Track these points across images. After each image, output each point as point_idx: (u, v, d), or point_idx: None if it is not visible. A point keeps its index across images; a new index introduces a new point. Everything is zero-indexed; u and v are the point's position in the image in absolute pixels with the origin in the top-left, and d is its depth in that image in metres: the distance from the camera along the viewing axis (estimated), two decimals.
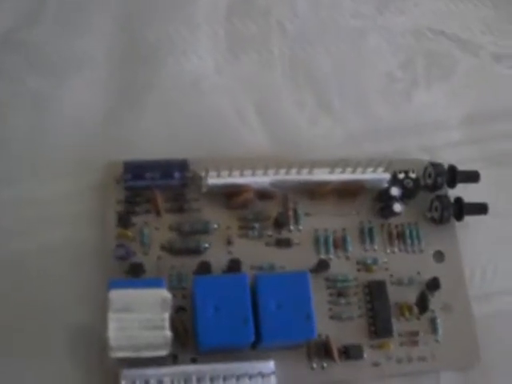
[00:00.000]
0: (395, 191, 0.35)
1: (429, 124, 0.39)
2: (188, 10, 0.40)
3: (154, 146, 0.36)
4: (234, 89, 0.38)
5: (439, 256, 0.36)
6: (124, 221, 0.34)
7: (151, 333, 0.30)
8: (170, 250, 0.34)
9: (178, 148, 0.36)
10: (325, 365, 0.33)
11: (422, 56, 0.41)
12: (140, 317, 0.30)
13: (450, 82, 0.41)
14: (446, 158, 0.38)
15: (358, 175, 0.35)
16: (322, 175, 0.35)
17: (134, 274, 0.33)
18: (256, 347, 0.32)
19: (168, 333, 0.30)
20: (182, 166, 0.35)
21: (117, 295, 0.31)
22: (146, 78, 0.38)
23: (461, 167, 0.37)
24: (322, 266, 0.34)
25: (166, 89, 0.38)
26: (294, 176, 0.35)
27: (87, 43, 0.38)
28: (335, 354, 0.32)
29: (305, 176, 0.35)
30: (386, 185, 0.36)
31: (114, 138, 0.36)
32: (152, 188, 0.35)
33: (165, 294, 0.31)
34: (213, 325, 0.31)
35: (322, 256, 0.35)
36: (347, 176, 0.35)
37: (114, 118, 0.37)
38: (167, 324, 0.30)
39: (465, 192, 0.37)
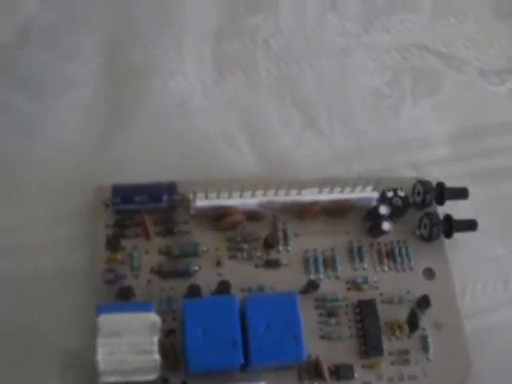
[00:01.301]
0: (384, 210, 0.35)
1: (416, 140, 0.40)
2: (174, 32, 0.41)
3: (142, 169, 0.37)
4: (220, 110, 0.39)
5: (429, 273, 0.36)
6: (113, 244, 0.34)
7: (140, 357, 0.30)
8: (160, 273, 0.34)
9: (167, 170, 0.36)
10: None
11: (407, 73, 0.41)
12: (129, 341, 0.30)
13: (436, 97, 0.41)
14: (434, 175, 0.38)
15: (347, 194, 0.36)
16: (310, 195, 0.35)
17: (124, 298, 0.33)
18: (245, 369, 0.32)
19: (157, 357, 0.30)
20: (171, 188, 0.35)
21: (105, 320, 0.31)
22: (133, 101, 0.38)
23: (448, 184, 0.37)
24: (312, 286, 0.34)
25: (153, 111, 0.38)
26: (282, 197, 0.35)
27: (74, 66, 0.39)
28: (326, 374, 0.32)
29: (293, 196, 0.35)
30: (374, 203, 0.36)
31: (102, 161, 0.37)
32: (141, 211, 0.35)
33: (153, 317, 0.31)
34: (202, 348, 0.31)
35: (312, 276, 0.35)
36: (336, 195, 0.35)
37: (102, 141, 0.37)
38: (156, 348, 0.31)
39: (454, 209, 0.37)
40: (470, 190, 0.37)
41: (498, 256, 0.38)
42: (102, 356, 0.30)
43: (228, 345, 0.31)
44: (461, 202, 0.37)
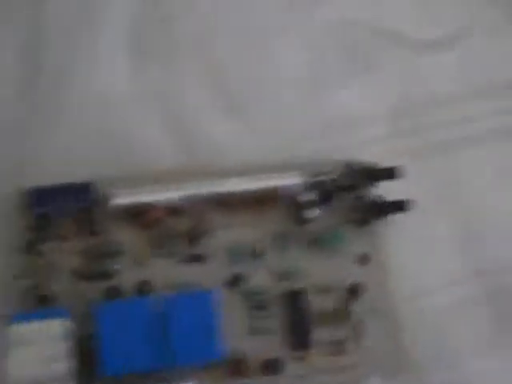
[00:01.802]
0: (307, 196, 0.34)
1: (349, 121, 0.38)
2: (92, 22, 0.39)
3: (60, 168, 0.35)
4: (139, 101, 0.37)
5: (363, 259, 0.35)
6: (32, 249, 0.33)
7: (53, 365, 0.30)
8: (80, 275, 0.33)
9: (86, 168, 0.35)
10: (246, 382, 0.32)
11: (339, 49, 0.40)
12: (41, 349, 0.30)
13: (370, 74, 0.39)
14: (369, 156, 0.37)
15: (271, 182, 0.34)
16: (233, 185, 0.34)
17: (43, 304, 0.33)
18: (168, 370, 0.31)
19: (70, 364, 0.30)
20: (87, 188, 0.34)
21: (17, 329, 0.30)
22: (49, 100, 0.37)
23: (386, 163, 0.36)
24: (237, 279, 0.33)
25: (71, 107, 0.37)
26: (204, 189, 0.34)
27: None
28: (250, 370, 0.31)
29: (215, 188, 0.34)
30: (300, 190, 0.35)
31: (21, 163, 0.36)
32: (58, 213, 0.34)
33: (66, 324, 0.30)
34: (117, 351, 0.30)
35: (238, 269, 0.34)
36: (259, 184, 0.34)
37: (21, 142, 0.36)
38: (69, 355, 0.30)
39: (394, 188, 0.36)
40: (409, 168, 0.36)
41: (437, 236, 0.36)
42: (13, 367, 0.29)
43: (146, 346, 0.30)
44: (400, 182, 0.36)
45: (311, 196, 0.34)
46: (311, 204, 0.34)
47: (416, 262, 0.36)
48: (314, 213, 0.34)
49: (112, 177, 0.34)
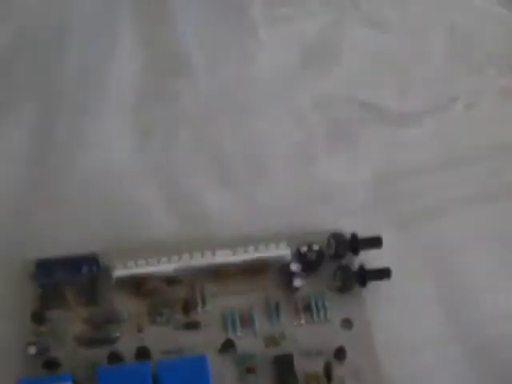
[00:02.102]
0: (294, 267, 0.37)
1: (334, 191, 0.41)
2: (98, 102, 0.42)
3: (66, 240, 0.38)
4: (140, 176, 0.40)
5: (347, 324, 0.37)
6: (37, 317, 0.36)
7: None
8: (84, 342, 0.36)
9: (90, 240, 0.38)
10: None
11: (324, 123, 0.43)
12: None
13: (354, 146, 0.42)
14: (354, 224, 0.39)
15: (261, 253, 0.37)
16: (224, 257, 0.37)
17: (50, 369, 0.35)
18: None
19: None
20: (91, 260, 0.37)
21: None
22: (56, 174, 0.40)
23: (368, 231, 0.38)
24: (228, 345, 0.35)
25: (76, 182, 0.40)
26: (197, 261, 0.37)
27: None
28: None
29: (207, 260, 0.37)
30: (288, 260, 0.37)
31: (27, 233, 0.38)
32: (63, 284, 0.36)
33: None
34: None
35: (230, 335, 0.36)
36: (249, 255, 0.37)
37: (28, 214, 0.39)
38: None
39: (375, 256, 0.38)
40: (389, 236, 0.39)
41: (418, 300, 0.39)
42: None
43: None
44: (381, 249, 0.38)
45: (298, 266, 0.37)
46: (298, 273, 0.37)
47: (398, 325, 0.38)
48: (300, 282, 0.36)
49: (114, 249, 0.37)
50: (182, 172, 0.41)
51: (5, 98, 0.43)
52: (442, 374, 0.37)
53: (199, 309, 0.37)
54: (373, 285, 0.38)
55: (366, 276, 0.37)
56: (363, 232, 0.38)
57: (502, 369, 0.37)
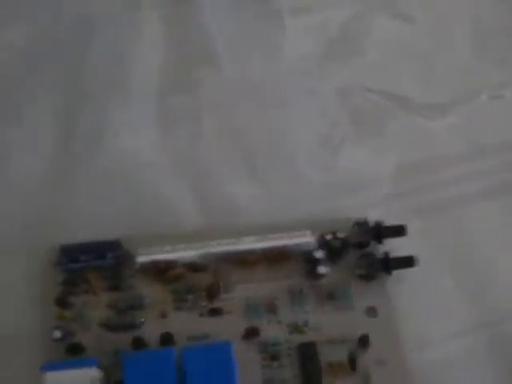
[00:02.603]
0: (319, 254, 0.36)
1: (358, 181, 0.41)
2: (122, 91, 0.42)
3: (90, 226, 0.38)
4: (164, 164, 0.41)
5: (371, 312, 0.37)
6: (62, 302, 0.36)
7: None
8: (108, 327, 0.36)
9: (114, 226, 0.38)
10: None
11: (348, 114, 0.43)
12: None
13: (378, 137, 0.42)
14: (376, 214, 0.39)
15: (285, 240, 0.37)
16: (248, 244, 0.37)
17: (74, 354, 0.35)
18: None
19: None
20: (115, 246, 0.37)
21: (50, 378, 0.33)
22: (80, 161, 0.40)
23: (392, 221, 0.38)
24: (252, 332, 0.35)
25: (100, 169, 0.40)
26: (221, 248, 0.37)
27: (23, 130, 0.41)
28: None
29: (232, 246, 0.37)
30: (312, 247, 0.37)
31: (52, 220, 0.39)
32: (87, 269, 0.36)
33: (93, 373, 0.33)
34: None
35: (254, 322, 0.36)
36: (274, 242, 0.37)
37: (53, 200, 0.39)
38: None
39: (398, 245, 0.38)
40: (414, 225, 0.38)
41: (441, 289, 0.38)
42: None
43: None
44: (405, 238, 0.38)
45: (322, 253, 0.37)
46: (322, 261, 0.37)
47: (422, 314, 0.38)
48: (325, 269, 0.36)
49: (138, 235, 0.37)
50: (207, 160, 0.41)
51: (30, 87, 0.43)
52: (465, 364, 0.37)
53: (223, 295, 0.37)
54: (397, 273, 0.38)
55: (390, 264, 0.37)
56: (387, 221, 0.38)
57: None
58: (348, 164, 0.41)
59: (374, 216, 0.39)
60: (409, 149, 0.42)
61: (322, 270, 0.36)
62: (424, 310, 0.38)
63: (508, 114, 0.44)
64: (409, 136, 0.42)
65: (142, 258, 0.36)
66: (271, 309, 0.37)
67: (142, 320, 0.36)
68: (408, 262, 0.37)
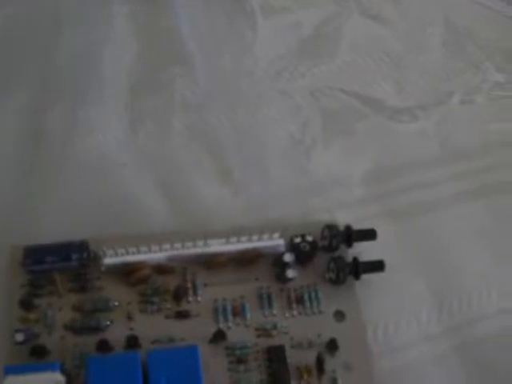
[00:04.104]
0: (288, 257, 0.36)
1: (329, 183, 0.41)
2: (92, 89, 0.42)
3: (57, 227, 0.38)
4: (134, 163, 0.40)
5: (340, 316, 0.37)
6: (26, 304, 0.35)
7: None
8: (73, 329, 0.35)
9: (81, 227, 0.38)
10: None
11: (320, 115, 0.42)
12: None
13: (349, 139, 0.42)
14: (347, 217, 0.39)
15: (254, 243, 0.37)
16: (216, 246, 0.36)
17: (38, 356, 0.34)
18: None
19: None
20: (81, 247, 0.36)
21: (11, 382, 0.32)
22: (47, 161, 0.40)
23: (362, 224, 0.38)
24: (219, 335, 0.35)
25: (69, 169, 0.40)
26: (189, 250, 0.36)
27: None
28: None
29: (200, 249, 0.36)
30: (282, 250, 0.37)
31: (17, 221, 0.38)
32: (52, 270, 0.36)
33: (57, 377, 0.32)
34: None
35: (221, 325, 0.36)
36: (242, 245, 0.36)
37: (20, 201, 0.39)
38: None
39: (369, 248, 0.38)
40: (385, 228, 0.38)
41: (410, 294, 0.38)
42: None
43: None
44: (375, 242, 0.38)
45: (291, 257, 0.36)
46: (291, 264, 0.36)
47: (390, 318, 0.38)
48: (294, 273, 0.36)
49: (105, 236, 0.37)
50: (176, 160, 0.40)
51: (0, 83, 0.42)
52: (432, 368, 0.37)
53: (190, 298, 0.36)
54: (366, 277, 0.38)
55: (359, 268, 0.37)
56: (357, 225, 0.38)
57: (492, 364, 0.37)
58: (319, 166, 0.41)
59: (344, 219, 0.39)
60: (380, 151, 0.42)
61: (290, 273, 0.36)
62: (393, 314, 0.38)
63: (479, 117, 0.44)
64: (381, 138, 0.42)
65: (108, 260, 0.36)
66: (239, 312, 0.36)
67: (108, 323, 0.35)
68: (377, 266, 0.37)
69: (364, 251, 0.38)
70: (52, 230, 0.38)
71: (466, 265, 0.40)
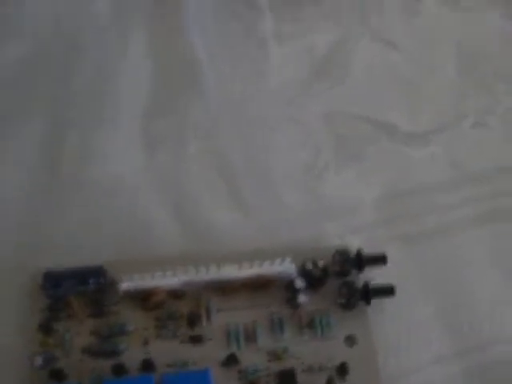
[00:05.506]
0: (299, 283, 0.37)
1: (341, 208, 0.41)
2: (108, 113, 0.43)
3: (75, 251, 0.39)
4: (148, 188, 0.41)
5: (351, 340, 0.37)
6: (45, 328, 0.37)
7: None
8: (90, 353, 0.36)
9: (98, 252, 0.39)
10: None
11: (332, 140, 0.43)
12: None
13: (361, 164, 0.42)
14: (359, 241, 0.40)
15: (266, 268, 0.37)
16: (229, 272, 0.37)
17: (56, 380, 0.36)
18: None
19: None
20: (98, 272, 0.37)
21: None
22: (65, 185, 0.41)
23: (373, 249, 0.39)
24: (231, 359, 0.36)
25: (86, 194, 0.41)
26: (203, 275, 0.37)
27: (9, 148, 0.42)
28: None
29: (213, 274, 0.37)
30: (293, 276, 0.37)
31: (36, 245, 0.39)
32: (70, 295, 0.37)
33: None
34: None
35: (234, 349, 0.37)
36: (254, 270, 0.37)
37: (36, 224, 0.40)
38: None
39: (381, 272, 0.39)
40: (396, 252, 0.39)
41: (421, 318, 0.39)
42: None
43: None
44: (387, 266, 0.39)
45: (303, 281, 0.37)
46: (303, 289, 0.37)
47: (401, 343, 0.38)
48: (305, 298, 0.37)
49: (121, 261, 0.38)
50: (190, 185, 0.41)
51: (18, 108, 0.43)
52: None
53: (204, 323, 0.37)
54: (377, 301, 0.38)
55: (370, 293, 0.37)
56: (369, 249, 0.39)
57: None
58: (331, 191, 0.42)
59: (355, 243, 0.39)
60: (392, 176, 0.42)
61: (302, 299, 0.37)
62: (404, 338, 0.38)
63: (492, 141, 0.45)
64: (393, 163, 0.43)
65: (124, 286, 0.37)
66: (251, 336, 0.37)
67: (124, 347, 0.36)
68: (387, 291, 0.38)
69: (376, 276, 0.39)
70: (70, 255, 0.39)
71: (477, 289, 0.40)
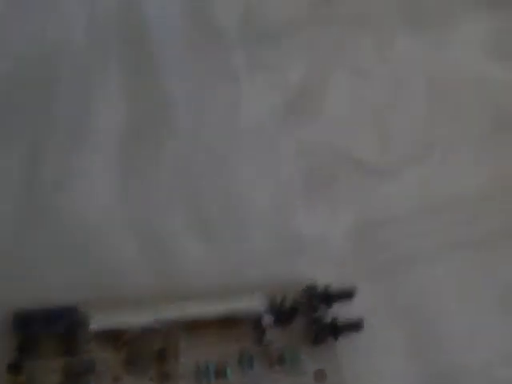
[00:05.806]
0: (267, 319, 0.37)
1: (310, 242, 0.41)
2: (81, 150, 0.43)
3: (45, 289, 0.39)
4: (120, 225, 0.41)
5: (320, 375, 0.38)
6: (14, 368, 0.37)
7: None
8: None
9: (69, 290, 0.39)
10: None
11: (302, 173, 0.43)
12: None
13: (331, 196, 0.43)
14: (330, 275, 0.40)
15: (235, 305, 0.38)
16: (198, 309, 0.37)
17: None
18: None
19: None
20: (69, 311, 0.37)
21: None
22: (36, 222, 0.41)
23: (345, 283, 0.39)
24: None
25: (56, 230, 0.41)
26: (172, 313, 0.37)
27: None
28: None
29: (181, 312, 0.37)
30: (262, 312, 0.38)
31: (5, 284, 0.39)
32: (41, 334, 0.37)
33: None
34: None
35: None
36: (223, 307, 0.38)
37: (5, 263, 0.40)
38: None
39: (351, 306, 0.39)
40: (366, 286, 0.39)
41: (392, 351, 0.39)
42: None
43: None
44: (356, 300, 0.39)
45: (271, 318, 0.37)
46: (271, 325, 0.37)
47: (372, 377, 0.38)
48: (273, 335, 0.37)
49: (92, 299, 0.38)
50: (160, 222, 0.42)
51: None
52: None
53: (173, 360, 0.37)
54: (348, 336, 0.38)
55: (338, 329, 0.38)
56: (340, 283, 0.39)
57: None
58: (300, 226, 0.42)
59: (326, 277, 0.40)
60: (362, 209, 0.43)
61: (270, 335, 0.37)
62: (374, 372, 0.39)
63: (461, 170, 0.45)
64: (362, 195, 0.43)
65: (94, 326, 0.37)
66: (221, 373, 0.37)
67: None
68: (356, 325, 0.38)
69: (346, 309, 0.39)
70: (40, 293, 0.39)
71: (448, 322, 0.40)
